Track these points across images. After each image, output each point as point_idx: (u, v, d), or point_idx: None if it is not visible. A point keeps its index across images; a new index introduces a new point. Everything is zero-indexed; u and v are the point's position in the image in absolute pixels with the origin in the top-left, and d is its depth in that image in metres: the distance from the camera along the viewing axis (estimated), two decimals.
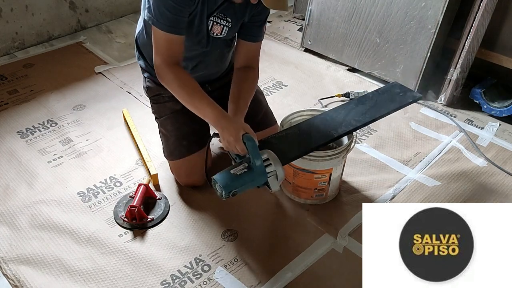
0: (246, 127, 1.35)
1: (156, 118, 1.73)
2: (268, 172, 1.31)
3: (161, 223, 1.58)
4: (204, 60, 1.60)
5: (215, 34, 1.51)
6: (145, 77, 1.71)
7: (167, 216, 1.61)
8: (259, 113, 1.77)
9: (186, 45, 1.48)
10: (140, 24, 1.61)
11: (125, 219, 1.57)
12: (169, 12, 1.33)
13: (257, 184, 1.32)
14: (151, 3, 1.34)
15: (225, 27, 1.49)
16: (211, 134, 1.41)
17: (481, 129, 2.07)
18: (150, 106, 1.75)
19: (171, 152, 1.67)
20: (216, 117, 1.38)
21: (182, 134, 1.64)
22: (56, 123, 2.03)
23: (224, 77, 1.73)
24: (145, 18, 1.40)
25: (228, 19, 1.48)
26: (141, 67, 1.71)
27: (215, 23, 1.47)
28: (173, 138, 1.65)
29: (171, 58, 1.41)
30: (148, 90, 1.71)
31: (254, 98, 1.78)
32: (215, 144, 1.90)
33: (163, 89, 1.64)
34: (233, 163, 1.38)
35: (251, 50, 1.58)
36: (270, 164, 1.31)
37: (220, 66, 1.69)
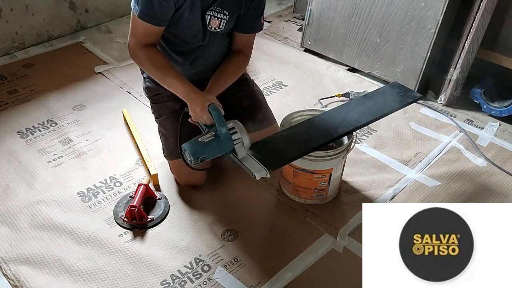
0: (212, 99, 1.42)
1: (155, 118, 1.73)
2: (235, 140, 1.37)
3: (161, 223, 1.58)
4: (202, 56, 1.60)
5: (213, 28, 1.52)
6: (144, 78, 1.71)
7: (167, 216, 1.61)
8: (258, 113, 1.77)
9: (180, 40, 1.50)
10: None
11: (125, 219, 1.57)
12: (152, 3, 1.37)
13: (224, 151, 1.38)
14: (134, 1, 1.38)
15: (222, 20, 1.51)
16: (184, 110, 1.47)
17: (481, 129, 2.07)
18: (150, 106, 1.75)
19: (171, 152, 1.67)
20: (186, 91, 1.45)
21: (182, 134, 1.63)
22: (56, 123, 2.03)
23: None
24: (131, 6, 1.42)
25: (225, 11, 1.49)
26: (141, 68, 1.71)
27: (212, 17, 1.49)
28: (172, 138, 1.65)
29: (145, 43, 1.46)
30: (147, 90, 1.71)
31: (253, 98, 1.78)
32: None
33: (163, 89, 1.64)
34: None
35: (245, 39, 1.62)
36: (236, 132, 1.38)
37: (218, 62, 1.68)
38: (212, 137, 1.38)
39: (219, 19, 1.50)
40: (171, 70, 1.48)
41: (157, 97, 1.68)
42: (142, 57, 1.47)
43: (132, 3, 1.41)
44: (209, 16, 1.48)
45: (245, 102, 1.76)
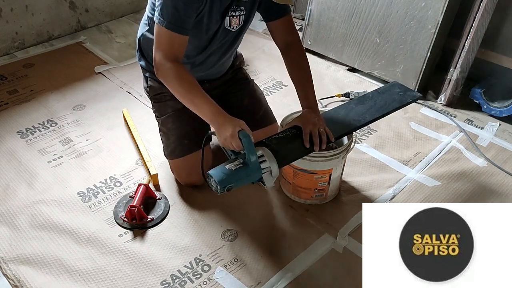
0: (242, 124, 1.34)
1: (157, 117, 1.73)
2: (263, 168, 1.32)
3: (161, 223, 1.58)
4: (206, 62, 1.60)
5: (233, 28, 1.50)
6: (146, 77, 1.71)
7: (167, 216, 1.61)
8: (258, 112, 1.78)
9: (193, 45, 1.48)
10: (144, 25, 1.61)
11: (125, 219, 1.57)
12: (178, 11, 1.32)
13: (252, 179, 1.32)
14: (161, 2, 1.33)
15: (241, 16, 1.49)
16: (208, 133, 1.41)
17: (481, 129, 2.07)
18: (151, 105, 1.75)
19: (171, 151, 1.67)
20: (213, 114, 1.37)
21: (183, 133, 1.64)
22: (56, 123, 2.03)
23: (223, 76, 1.73)
24: (152, 16, 1.38)
25: (242, 7, 1.48)
26: (142, 67, 1.71)
27: (232, 17, 1.47)
28: (174, 137, 1.65)
29: (172, 55, 1.39)
30: (150, 89, 1.71)
31: (253, 97, 1.79)
32: (215, 143, 1.90)
33: (165, 88, 1.63)
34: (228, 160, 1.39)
35: (282, 26, 1.55)
36: (265, 160, 1.33)
37: (221, 67, 1.69)
38: (240, 165, 1.30)
39: (238, 17, 1.49)
40: (197, 88, 1.39)
41: (160, 96, 1.68)
42: (168, 71, 1.38)
43: (156, 16, 1.36)
44: (228, 18, 1.47)
45: (246, 101, 1.76)
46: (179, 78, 1.39)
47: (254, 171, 1.30)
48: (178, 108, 1.65)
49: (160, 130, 1.71)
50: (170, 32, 1.35)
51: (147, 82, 1.71)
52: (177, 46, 1.39)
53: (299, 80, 1.56)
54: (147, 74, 1.71)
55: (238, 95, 1.75)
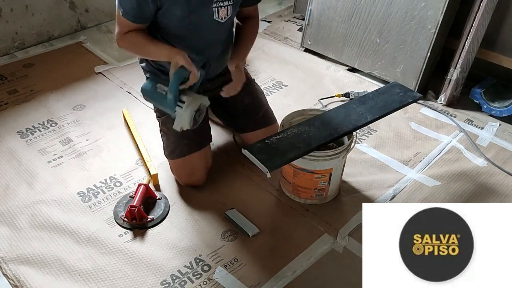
0: (182, 60, 1.40)
1: (157, 116, 1.73)
2: (176, 112, 1.43)
3: (161, 223, 1.58)
4: (207, 49, 1.59)
5: (222, 18, 1.51)
6: (147, 77, 1.71)
7: (167, 216, 1.61)
8: (259, 112, 1.78)
9: (188, 44, 1.49)
10: None
11: (125, 219, 1.57)
12: (132, 4, 1.40)
13: (165, 109, 1.48)
14: None
15: (228, 6, 1.50)
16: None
17: (481, 129, 2.07)
18: (152, 106, 1.75)
19: (171, 151, 1.67)
20: (167, 54, 1.44)
21: (183, 133, 1.63)
22: (56, 123, 2.03)
23: (224, 76, 1.72)
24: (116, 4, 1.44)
25: None
26: (143, 68, 1.71)
27: (219, 7, 1.48)
28: (174, 137, 1.65)
29: (126, 32, 1.49)
30: None
31: (254, 97, 1.79)
32: (215, 144, 1.90)
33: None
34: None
35: (250, 11, 1.65)
36: (181, 107, 1.42)
37: (220, 62, 1.67)
38: (163, 92, 1.46)
39: (225, 7, 1.49)
40: (149, 43, 1.48)
41: None
42: (123, 43, 1.50)
43: (116, 3, 1.44)
44: (216, 9, 1.47)
45: (246, 100, 1.76)
46: (132, 44, 1.50)
47: (168, 106, 1.44)
48: None
49: (160, 130, 1.71)
50: (126, 20, 1.44)
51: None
52: (134, 28, 1.48)
53: (241, 35, 1.65)
54: (147, 75, 1.71)
55: (239, 94, 1.74)
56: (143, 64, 1.69)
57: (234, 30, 1.67)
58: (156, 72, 1.65)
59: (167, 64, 1.58)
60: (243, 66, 1.62)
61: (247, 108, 1.76)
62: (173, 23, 1.48)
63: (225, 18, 1.51)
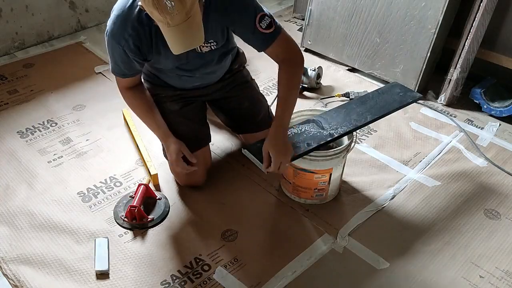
0: (183, 149, 1.57)
1: None
2: None
3: (161, 223, 1.58)
4: (193, 76, 1.60)
5: (204, 51, 1.49)
6: (142, 79, 1.71)
7: (167, 216, 1.61)
8: (259, 115, 1.77)
9: (172, 66, 1.53)
10: None
11: (125, 219, 1.57)
12: (118, 66, 1.47)
13: None
14: (109, 56, 1.47)
15: (212, 46, 1.48)
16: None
17: (481, 129, 2.07)
18: None
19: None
20: (162, 136, 1.60)
21: (180, 135, 1.64)
22: (56, 123, 2.03)
23: (222, 81, 1.72)
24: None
25: (211, 41, 1.46)
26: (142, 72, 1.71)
27: (201, 46, 1.46)
28: None
29: (127, 87, 1.57)
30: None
31: (254, 100, 1.78)
32: (215, 144, 1.90)
33: (161, 90, 1.65)
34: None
35: (271, 52, 1.49)
36: None
37: (217, 73, 1.67)
38: None
39: (208, 46, 1.48)
40: (151, 113, 1.59)
41: (156, 97, 1.68)
42: (126, 99, 1.60)
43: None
44: (199, 47, 1.45)
45: (246, 104, 1.76)
46: (135, 105, 1.60)
47: None
48: (176, 109, 1.65)
49: None
50: (118, 77, 1.54)
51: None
52: (128, 82, 1.56)
53: (282, 96, 1.49)
54: (142, 76, 1.70)
55: (238, 98, 1.74)
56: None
57: (231, 49, 1.63)
58: (149, 74, 1.66)
59: (166, 76, 1.62)
60: (283, 135, 1.44)
61: (248, 111, 1.76)
62: (160, 64, 1.53)
63: (206, 52, 1.49)
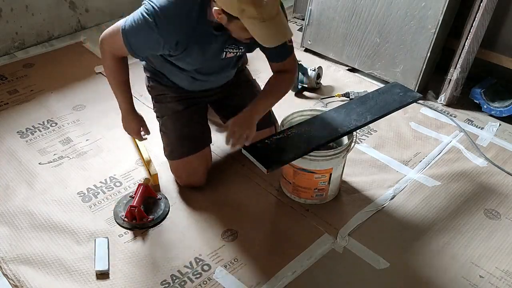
0: (143, 126, 1.63)
1: (157, 117, 1.73)
2: None
3: (161, 223, 1.58)
4: (208, 80, 1.62)
5: (225, 57, 1.50)
6: (148, 76, 1.72)
7: (167, 216, 1.61)
8: None
9: (192, 67, 1.52)
10: None
11: (125, 219, 1.57)
12: (143, 42, 1.37)
13: None
14: (132, 18, 1.34)
15: (238, 53, 1.51)
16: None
17: (481, 129, 2.07)
18: (152, 105, 1.75)
19: (171, 152, 1.68)
20: (126, 110, 1.61)
21: (183, 135, 1.64)
22: (56, 123, 2.03)
23: (226, 83, 1.73)
24: (121, 25, 1.38)
25: (241, 47, 1.49)
26: (143, 67, 1.71)
27: (228, 52, 1.48)
28: (173, 138, 1.66)
29: (116, 54, 1.47)
30: (151, 89, 1.72)
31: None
32: (215, 144, 1.90)
33: (167, 89, 1.65)
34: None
35: (282, 65, 1.57)
36: None
37: (229, 77, 1.70)
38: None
39: (234, 53, 1.50)
40: (125, 86, 1.56)
41: (161, 97, 1.68)
42: (109, 63, 1.49)
43: (123, 21, 1.37)
44: (225, 52, 1.47)
45: (248, 102, 1.76)
46: (115, 74, 1.53)
47: None
48: (179, 109, 1.65)
49: (160, 130, 1.71)
50: (124, 44, 1.38)
51: (148, 82, 1.72)
52: (123, 53, 1.45)
53: (267, 89, 1.58)
54: (148, 74, 1.71)
55: (240, 96, 1.75)
56: (143, 63, 1.70)
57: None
58: (157, 73, 1.66)
59: (166, 71, 1.61)
60: (258, 118, 1.52)
61: None
62: (181, 62, 1.49)
63: (230, 58, 1.52)
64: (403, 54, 2.23)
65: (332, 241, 1.53)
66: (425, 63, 2.17)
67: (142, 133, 1.67)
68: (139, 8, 1.33)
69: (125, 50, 1.40)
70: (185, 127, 1.65)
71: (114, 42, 1.41)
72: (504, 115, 2.10)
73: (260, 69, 2.45)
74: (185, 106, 1.66)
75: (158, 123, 1.73)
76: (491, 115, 2.15)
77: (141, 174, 1.78)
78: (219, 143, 1.93)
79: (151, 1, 1.30)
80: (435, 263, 1.47)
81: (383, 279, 1.42)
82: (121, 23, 1.38)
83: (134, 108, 1.62)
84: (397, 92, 1.70)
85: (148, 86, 1.73)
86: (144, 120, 1.66)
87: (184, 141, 1.65)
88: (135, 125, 1.63)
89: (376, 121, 1.60)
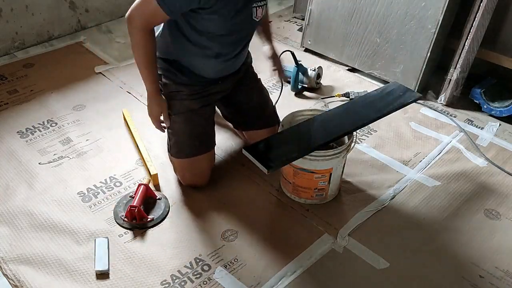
0: (163, 112, 1.61)
1: (168, 114, 1.67)
2: None
3: (161, 223, 1.58)
4: (230, 52, 1.60)
5: (257, 18, 1.51)
6: (160, 74, 1.66)
7: (167, 216, 1.61)
8: (267, 109, 1.80)
9: (219, 36, 1.49)
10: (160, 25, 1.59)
11: (125, 219, 1.57)
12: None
13: None
14: None
15: (263, 6, 1.51)
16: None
17: (481, 129, 2.07)
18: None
19: (179, 150, 1.66)
20: (152, 91, 1.56)
21: (195, 134, 1.63)
22: (56, 123, 2.03)
23: (236, 74, 1.72)
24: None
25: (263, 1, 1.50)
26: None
27: (257, 7, 1.48)
28: (184, 137, 1.64)
29: (148, 26, 1.43)
30: (164, 86, 1.66)
31: (262, 95, 1.83)
32: (216, 144, 1.90)
33: (181, 87, 1.62)
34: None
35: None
36: None
37: (240, 59, 1.69)
38: None
39: (261, 7, 1.50)
40: (153, 65, 1.51)
41: (175, 94, 1.64)
42: (139, 38, 1.44)
43: None
44: (254, 8, 1.48)
45: (255, 98, 1.78)
46: (145, 50, 1.47)
47: None
48: (195, 108, 1.63)
49: (169, 128, 1.68)
50: (159, 7, 1.34)
51: (161, 80, 1.66)
52: (158, 21, 1.44)
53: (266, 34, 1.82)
54: (160, 72, 1.65)
55: (248, 91, 1.76)
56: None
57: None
58: (170, 69, 1.62)
59: (188, 55, 1.58)
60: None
61: (256, 105, 1.78)
62: (213, 24, 1.45)
63: (259, 17, 1.52)
64: (403, 54, 2.23)
65: (332, 241, 1.53)
66: (425, 63, 2.17)
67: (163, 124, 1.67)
68: None
69: (158, 12, 1.35)
70: (198, 126, 1.64)
71: (145, 8, 1.37)
72: (504, 115, 2.10)
73: (259, 69, 2.43)
74: (200, 105, 1.64)
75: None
76: (491, 115, 2.15)
77: (141, 174, 1.78)
78: (219, 143, 1.93)
79: None
80: (435, 263, 1.47)
81: (383, 279, 1.42)
82: None
83: (160, 90, 1.59)
84: (397, 92, 1.70)
85: (161, 83, 1.67)
86: (166, 107, 1.62)
87: (195, 141, 1.64)
88: (158, 109, 1.60)
89: (376, 121, 1.60)
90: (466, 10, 2.06)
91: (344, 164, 1.64)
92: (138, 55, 1.48)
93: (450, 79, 2.17)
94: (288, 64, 2.32)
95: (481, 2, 1.97)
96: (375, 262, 1.46)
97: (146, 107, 1.61)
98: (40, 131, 1.98)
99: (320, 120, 1.57)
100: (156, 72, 1.54)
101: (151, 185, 1.70)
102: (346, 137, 1.59)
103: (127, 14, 1.41)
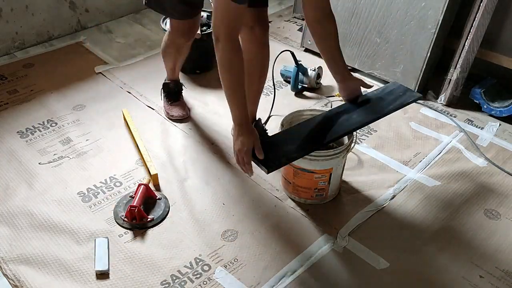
0: (255, 143, 1.36)
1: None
2: None
3: (161, 223, 1.58)
4: None
5: None
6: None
7: (167, 216, 1.61)
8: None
9: None
10: None
11: (125, 219, 1.57)
12: None
13: None
14: None
15: None
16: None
17: (481, 129, 2.07)
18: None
19: (176, 13, 1.69)
20: (238, 120, 1.39)
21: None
22: (56, 123, 2.03)
23: None
24: None
25: None
26: None
27: None
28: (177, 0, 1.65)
29: (234, 32, 1.34)
30: None
31: None
32: (215, 144, 1.90)
33: None
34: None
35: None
36: None
37: None
38: None
39: None
40: (240, 87, 1.38)
41: None
42: (229, 53, 1.33)
43: None
44: None
45: None
46: (233, 67, 1.35)
47: None
48: None
49: None
50: (236, 5, 1.26)
51: None
52: (241, 18, 1.33)
53: (326, 49, 1.57)
54: None
55: None
56: None
57: None
58: None
59: None
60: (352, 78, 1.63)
61: None
62: None
63: None
64: (403, 54, 2.23)
65: (332, 241, 1.53)
66: (425, 63, 2.17)
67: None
68: None
69: (241, 10, 1.29)
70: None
71: (228, 14, 1.29)
72: (504, 115, 2.10)
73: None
74: None
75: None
76: (491, 115, 2.15)
77: (141, 174, 1.78)
78: (219, 143, 1.93)
79: None
80: (435, 263, 1.47)
81: (383, 279, 1.42)
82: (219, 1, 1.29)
83: (249, 118, 1.42)
84: (397, 92, 1.70)
85: None
86: (258, 136, 1.40)
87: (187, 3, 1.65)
88: (250, 140, 1.36)
89: (376, 121, 1.60)
90: (466, 10, 2.06)
91: (344, 164, 1.64)
92: (227, 77, 1.36)
93: (450, 79, 2.17)
94: (288, 64, 2.32)
95: (481, 2, 1.97)
96: (375, 262, 1.46)
97: (233, 142, 1.41)
98: (40, 131, 1.98)
99: (320, 120, 1.57)
100: (245, 95, 1.39)
101: (151, 185, 1.70)
102: (346, 137, 1.59)
103: (214, 33, 1.33)
